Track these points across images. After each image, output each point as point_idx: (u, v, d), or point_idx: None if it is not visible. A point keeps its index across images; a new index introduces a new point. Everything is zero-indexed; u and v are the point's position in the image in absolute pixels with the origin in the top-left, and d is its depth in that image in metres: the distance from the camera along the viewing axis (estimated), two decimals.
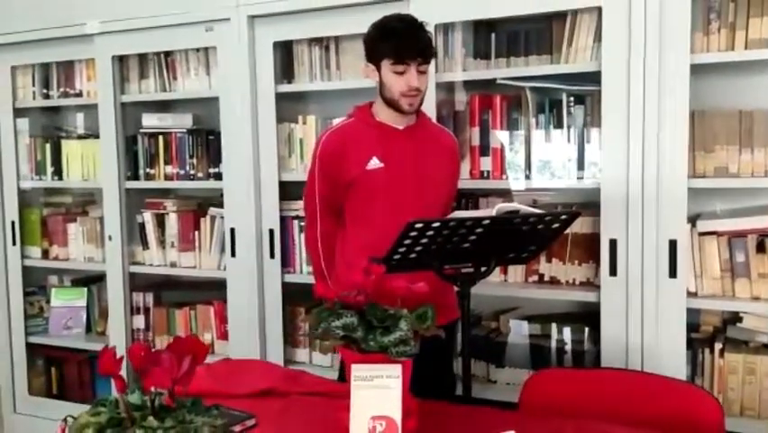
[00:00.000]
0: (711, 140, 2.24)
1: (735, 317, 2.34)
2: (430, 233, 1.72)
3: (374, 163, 2.09)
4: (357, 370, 1.52)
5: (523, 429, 1.47)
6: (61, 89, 3.41)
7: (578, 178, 2.44)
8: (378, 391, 1.50)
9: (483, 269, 1.87)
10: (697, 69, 2.18)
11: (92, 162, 3.36)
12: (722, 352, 2.28)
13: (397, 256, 1.76)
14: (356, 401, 1.50)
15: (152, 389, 1.04)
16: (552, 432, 1.53)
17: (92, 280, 3.52)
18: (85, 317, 3.47)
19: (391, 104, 2.08)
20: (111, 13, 3.06)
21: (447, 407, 1.75)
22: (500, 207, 1.80)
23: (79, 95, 3.36)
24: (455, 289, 1.94)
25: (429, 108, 2.37)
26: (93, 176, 3.35)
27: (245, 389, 1.75)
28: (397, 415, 1.48)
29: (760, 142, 2.19)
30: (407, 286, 1.58)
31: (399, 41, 2.01)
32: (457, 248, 1.80)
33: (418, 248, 1.76)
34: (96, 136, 3.28)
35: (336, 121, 2.74)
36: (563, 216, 1.81)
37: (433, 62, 2.14)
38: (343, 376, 2.15)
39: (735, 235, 2.24)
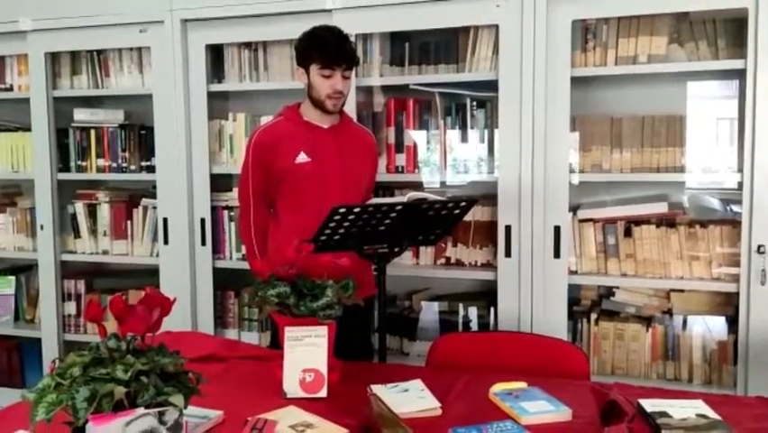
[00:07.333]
0: (589, 141, 2.65)
1: (609, 292, 2.76)
2: (351, 217, 2.01)
3: (302, 158, 2.35)
4: (290, 331, 1.80)
5: (426, 380, 1.79)
6: None
7: (479, 173, 2.80)
8: (307, 349, 1.79)
9: (396, 249, 2.18)
10: (577, 81, 2.58)
11: (22, 154, 3.47)
12: (597, 321, 2.70)
13: (323, 237, 2.04)
14: (289, 358, 1.78)
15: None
16: (449, 381, 1.85)
17: (20, 270, 3.62)
18: (13, 304, 3.56)
19: (317, 104, 2.35)
20: (45, 12, 3.18)
21: (365, 365, 2.05)
22: (411, 195, 2.12)
23: (10, 89, 3.45)
24: (372, 267, 2.24)
25: (350, 109, 2.66)
26: (23, 168, 3.46)
27: (187, 354, 1.98)
28: (323, 368, 1.78)
29: (627, 144, 2.62)
30: (332, 260, 1.88)
31: (328, 49, 2.27)
32: (374, 231, 2.10)
33: (341, 230, 2.05)
34: (27, 129, 3.39)
35: (264, 119, 3.01)
36: (463, 203, 2.14)
37: (354, 68, 2.43)
38: (274, 345, 2.41)
39: (607, 222, 2.66)
